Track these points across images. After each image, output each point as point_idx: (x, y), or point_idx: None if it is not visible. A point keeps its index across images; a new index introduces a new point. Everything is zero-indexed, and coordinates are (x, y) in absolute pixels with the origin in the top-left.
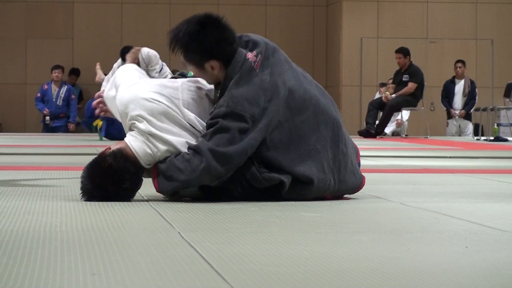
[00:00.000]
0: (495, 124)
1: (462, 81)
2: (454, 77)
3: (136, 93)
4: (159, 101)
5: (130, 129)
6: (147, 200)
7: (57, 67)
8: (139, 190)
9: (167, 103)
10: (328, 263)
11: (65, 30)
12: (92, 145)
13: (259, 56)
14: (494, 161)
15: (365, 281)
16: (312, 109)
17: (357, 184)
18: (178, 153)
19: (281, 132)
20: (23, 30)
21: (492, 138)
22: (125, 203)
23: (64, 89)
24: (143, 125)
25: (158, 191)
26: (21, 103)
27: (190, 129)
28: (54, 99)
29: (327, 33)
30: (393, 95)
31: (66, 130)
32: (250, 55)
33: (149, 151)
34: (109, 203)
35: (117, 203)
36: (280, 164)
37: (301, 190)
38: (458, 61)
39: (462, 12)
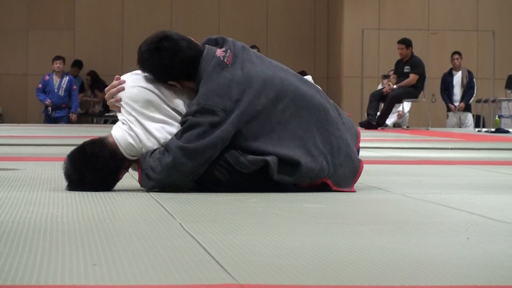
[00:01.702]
0: (497, 116)
1: (460, 73)
2: (451, 69)
3: (127, 82)
4: (144, 88)
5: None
6: (148, 191)
7: (58, 57)
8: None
9: (154, 90)
10: (329, 254)
11: (66, 21)
12: (94, 136)
13: (229, 51)
14: (495, 153)
15: (366, 272)
16: (292, 95)
17: (355, 168)
18: (155, 149)
19: (261, 121)
20: (24, 21)
21: (493, 129)
22: (127, 193)
23: (65, 79)
24: (123, 110)
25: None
26: (23, 94)
27: (175, 117)
28: (56, 90)
29: (328, 24)
30: (395, 86)
31: (68, 120)
32: (218, 52)
33: (131, 140)
34: (110, 194)
35: (118, 193)
36: (263, 149)
37: (290, 171)
38: (455, 52)
39: (464, 3)
